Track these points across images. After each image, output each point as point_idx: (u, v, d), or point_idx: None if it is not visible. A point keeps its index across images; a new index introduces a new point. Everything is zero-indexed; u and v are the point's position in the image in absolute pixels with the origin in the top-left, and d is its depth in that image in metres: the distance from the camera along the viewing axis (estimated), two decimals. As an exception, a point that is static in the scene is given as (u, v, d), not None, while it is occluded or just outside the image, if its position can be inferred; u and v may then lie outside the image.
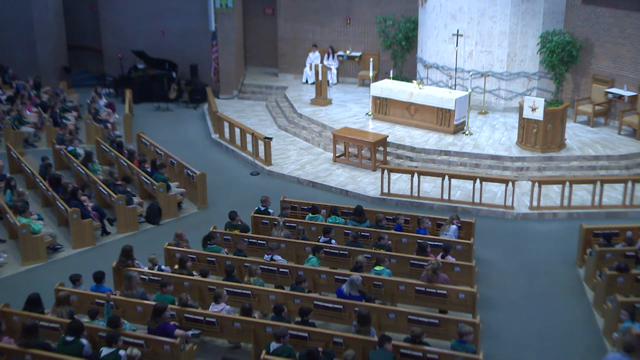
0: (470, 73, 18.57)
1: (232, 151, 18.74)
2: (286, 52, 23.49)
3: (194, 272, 11.03)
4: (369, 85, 19.74)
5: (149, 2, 24.07)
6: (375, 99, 18.78)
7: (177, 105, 23.03)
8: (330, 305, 10.03)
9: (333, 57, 22.66)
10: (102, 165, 16.59)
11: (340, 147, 17.40)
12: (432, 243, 11.72)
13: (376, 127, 18.23)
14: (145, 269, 11.11)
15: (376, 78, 20.20)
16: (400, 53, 21.61)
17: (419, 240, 11.71)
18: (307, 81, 22.67)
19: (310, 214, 13.04)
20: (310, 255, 11.29)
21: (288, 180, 16.68)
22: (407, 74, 21.34)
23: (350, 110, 19.90)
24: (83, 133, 19.63)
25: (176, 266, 11.29)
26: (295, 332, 9.18)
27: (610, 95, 17.70)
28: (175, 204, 14.88)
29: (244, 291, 10.39)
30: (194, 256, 11.57)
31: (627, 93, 17.34)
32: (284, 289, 10.95)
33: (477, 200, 14.75)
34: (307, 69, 22.72)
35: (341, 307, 9.98)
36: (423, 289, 10.40)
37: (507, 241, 13.56)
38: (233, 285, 10.43)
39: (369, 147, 16.79)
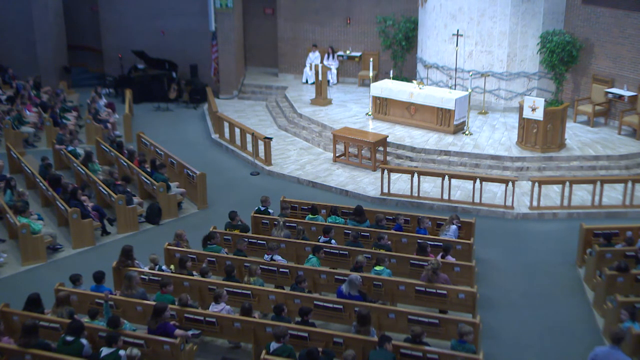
0: (470, 73, 18.57)
1: (232, 151, 18.74)
2: (286, 52, 23.49)
3: (194, 272, 11.03)
4: (369, 85, 19.74)
5: (149, 2, 24.07)
6: (375, 99, 18.78)
7: (177, 105, 23.04)
8: (330, 305, 10.03)
9: (333, 57, 22.66)
10: (102, 165, 16.59)
11: (340, 147, 17.41)
12: (432, 243, 11.72)
13: (376, 127, 18.23)
14: (146, 269, 11.11)
15: (376, 78, 20.20)
16: (400, 53, 21.61)
17: (419, 240, 11.71)
18: (307, 81, 22.67)
19: (310, 215, 13.04)
20: (310, 255, 11.29)
21: (288, 180, 16.68)
22: (407, 74, 21.35)
23: (350, 110, 19.90)
24: (83, 133, 19.63)
25: (172, 266, 11.29)
26: (295, 332, 9.18)
27: (610, 95, 17.70)
28: (175, 204, 14.88)
29: (244, 291, 10.39)
30: (194, 256, 11.57)
31: (627, 93, 17.34)
32: (284, 289, 10.95)
33: (477, 200, 14.75)
34: (307, 69, 22.72)
35: (341, 307, 9.98)
36: (423, 289, 10.40)
37: (507, 241, 13.56)
38: (233, 285, 10.43)
39: (369, 147, 16.79)
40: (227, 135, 19.23)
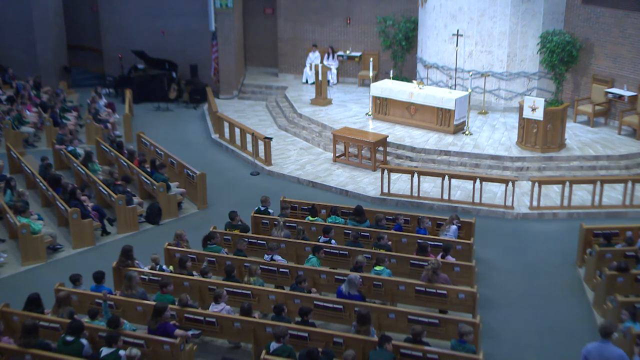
0: (470, 73, 18.56)
1: (232, 151, 18.74)
2: (286, 52, 23.49)
3: (194, 272, 11.03)
4: (369, 85, 19.74)
5: (149, 2, 24.07)
6: (375, 99, 18.78)
7: (177, 105, 23.03)
8: (330, 305, 10.03)
9: (333, 57, 22.66)
10: (102, 165, 16.59)
11: (340, 147, 17.40)
12: (432, 243, 11.72)
13: (376, 127, 18.23)
14: (146, 269, 11.11)
15: (376, 78, 20.20)
16: (400, 53, 21.61)
17: (419, 240, 11.71)
18: (307, 81, 22.67)
19: (309, 216, 13.03)
20: (310, 255, 11.29)
21: (288, 180, 16.68)
22: (407, 74, 21.34)
23: (350, 110, 19.90)
24: (83, 133, 19.63)
25: (171, 267, 11.29)
26: (295, 332, 9.18)
27: (610, 95, 17.70)
28: (175, 204, 14.87)
29: (244, 291, 10.39)
30: (194, 256, 11.57)
31: (627, 93, 17.34)
32: (284, 289, 10.95)
33: (477, 200, 14.75)
34: (307, 69, 22.72)
35: (341, 307, 9.98)
36: (423, 289, 10.40)
37: (507, 241, 13.56)
38: (233, 285, 10.43)
39: (369, 147, 16.79)
40: (227, 135, 19.22)
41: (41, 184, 14.83)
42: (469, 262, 11.45)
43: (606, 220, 13.96)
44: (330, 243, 11.78)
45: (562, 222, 14.30)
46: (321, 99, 20.34)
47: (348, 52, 22.70)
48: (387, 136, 17.00)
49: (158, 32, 24.12)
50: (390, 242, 11.87)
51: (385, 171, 15.31)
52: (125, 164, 16.02)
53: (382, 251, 11.37)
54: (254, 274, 10.56)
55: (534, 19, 18.48)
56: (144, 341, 9.15)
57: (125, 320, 9.63)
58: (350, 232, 12.09)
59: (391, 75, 19.54)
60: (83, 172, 15.55)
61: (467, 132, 17.55)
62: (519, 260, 12.77)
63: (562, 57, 18.21)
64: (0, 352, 8.95)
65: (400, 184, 15.78)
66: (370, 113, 19.19)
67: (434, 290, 10.35)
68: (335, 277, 10.83)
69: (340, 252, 11.58)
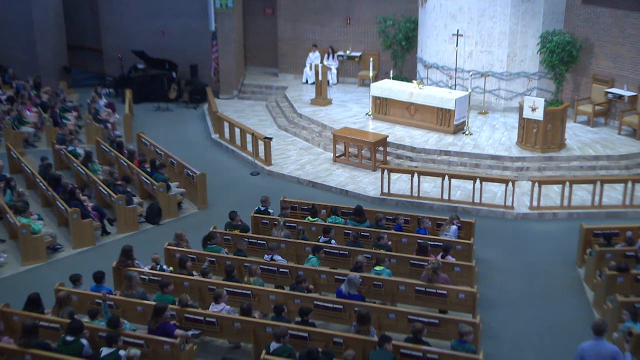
0: (470, 73, 18.56)
1: (232, 151, 18.74)
2: (286, 52, 23.49)
3: (194, 272, 11.03)
4: (369, 85, 19.74)
5: (149, 2, 24.07)
6: (375, 99, 18.78)
7: (177, 105, 23.03)
8: (330, 305, 10.03)
9: (333, 57, 22.66)
10: (102, 165, 16.59)
11: (340, 147, 17.40)
12: (432, 243, 11.72)
13: (376, 127, 18.23)
14: (146, 269, 11.10)
15: (376, 78, 20.20)
16: (400, 53, 21.61)
17: (419, 240, 11.71)
18: (307, 81, 22.67)
19: (309, 216, 13.03)
20: (310, 255, 11.29)
21: (288, 180, 16.68)
22: (407, 74, 21.34)
23: (350, 110, 19.90)
24: (83, 133, 19.63)
25: (171, 268, 11.29)
26: (295, 332, 9.18)
27: (610, 95, 17.70)
28: (175, 204, 14.87)
29: (244, 291, 10.39)
30: (194, 256, 11.57)
31: (627, 93, 17.34)
32: (284, 289, 10.95)
33: (477, 200, 14.75)
34: (307, 69, 22.72)
35: (341, 307, 9.98)
36: (423, 289, 10.39)
37: (507, 241, 13.56)
38: (233, 285, 10.43)
39: (369, 147, 16.79)
40: (227, 135, 19.22)
41: (41, 184, 14.82)
42: (469, 262, 11.45)
43: (606, 220, 13.96)
44: (330, 243, 11.78)
45: (562, 222, 14.30)
46: (321, 99, 20.34)
47: (348, 52, 22.70)
48: (387, 136, 17.00)
49: (158, 32, 24.12)
50: (390, 242, 11.87)
51: (385, 171, 15.31)
52: (125, 164, 16.02)
53: (382, 251, 11.37)
54: (254, 274, 10.56)
55: (534, 19, 18.48)
56: (144, 341, 9.15)
57: (125, 320, 9.63)
58: (350, 232, 12.09)
59: (391, 75, 19.53)
60: (83, 172, 15.55)
61: (467, 132, 17.55)
62: (519, 260, 12.77)
63: (562, 57, 18.21)
64: (0, 352, 8.95)
65: (400, 184, 15.78)
66: (370, 113, 19.18)
67: (434, 290, 10.35)
68: (335, 277, 10.83)
69: (340, 252, 11.58)
